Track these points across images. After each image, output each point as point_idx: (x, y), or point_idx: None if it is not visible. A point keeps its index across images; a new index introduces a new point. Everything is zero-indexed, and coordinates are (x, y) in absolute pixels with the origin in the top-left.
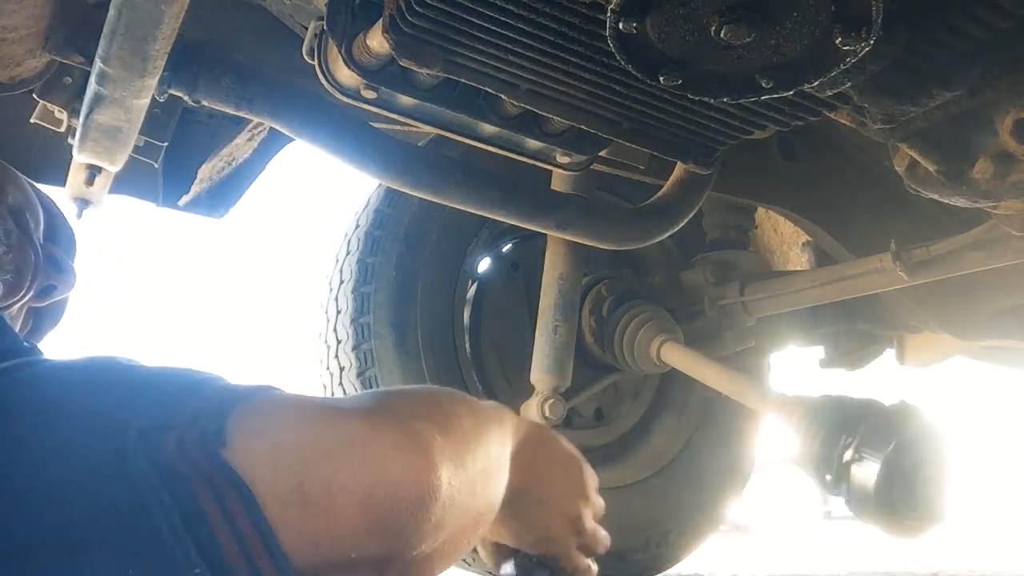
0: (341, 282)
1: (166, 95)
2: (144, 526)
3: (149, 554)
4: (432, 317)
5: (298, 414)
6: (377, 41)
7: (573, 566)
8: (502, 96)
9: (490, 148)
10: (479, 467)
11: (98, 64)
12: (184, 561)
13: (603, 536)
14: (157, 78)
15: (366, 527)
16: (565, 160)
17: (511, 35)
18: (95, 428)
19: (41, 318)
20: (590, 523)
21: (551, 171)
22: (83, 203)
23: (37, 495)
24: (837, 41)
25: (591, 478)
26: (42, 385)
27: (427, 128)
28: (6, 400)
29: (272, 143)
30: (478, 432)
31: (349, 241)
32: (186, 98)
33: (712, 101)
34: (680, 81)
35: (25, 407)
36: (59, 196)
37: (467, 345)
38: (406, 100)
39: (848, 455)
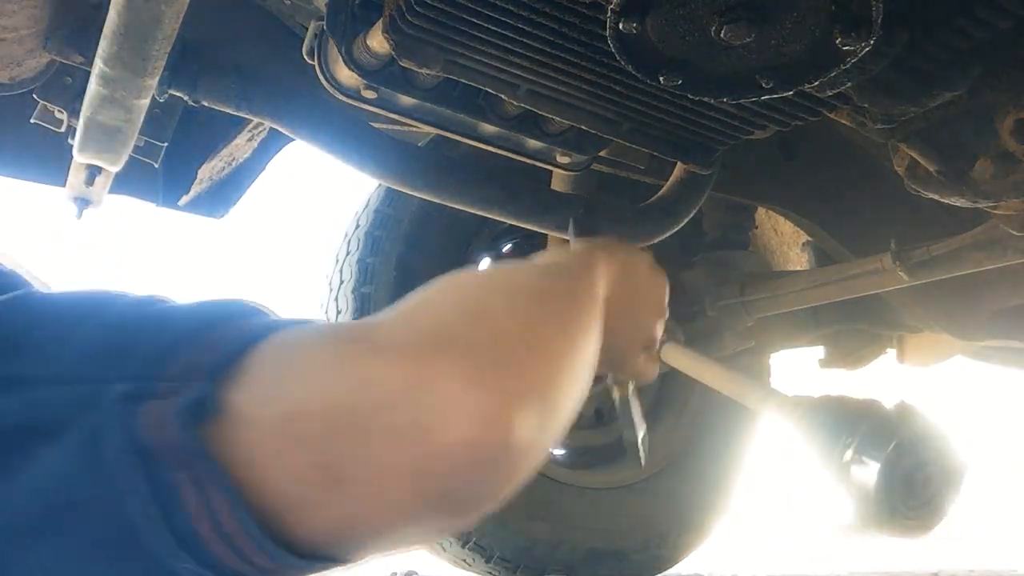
0: (341, 282)
1: (166, 95)
2: (118, 519)
3: (126, 553)
4: None
5: (316, 363)
6: (377, 41)
7: (634, 372)
8: (502, 96)
9: (490, 148)
10: (567, 379)
11: (98, 64)
12: (170, 559)
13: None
14: (157, 78)
15: (421, 502)
16: (565, 160)
17: (511, 35)
18: (69, 393)
19: None
20: (659, 331)
21: (551, 171)
22: (83, 203)
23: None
24: (837, 41)
25: (666, 291)
26: (17, 323)
27: (427, 128)
28: None
29: (272, 143)
30: (563, 331)
31: (349, 241)
32: (186, 98)
33: (712, 101)
34: (680, 81)
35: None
36: (59, 196)
37: None
38: (406, 100)
39: (848, 455)
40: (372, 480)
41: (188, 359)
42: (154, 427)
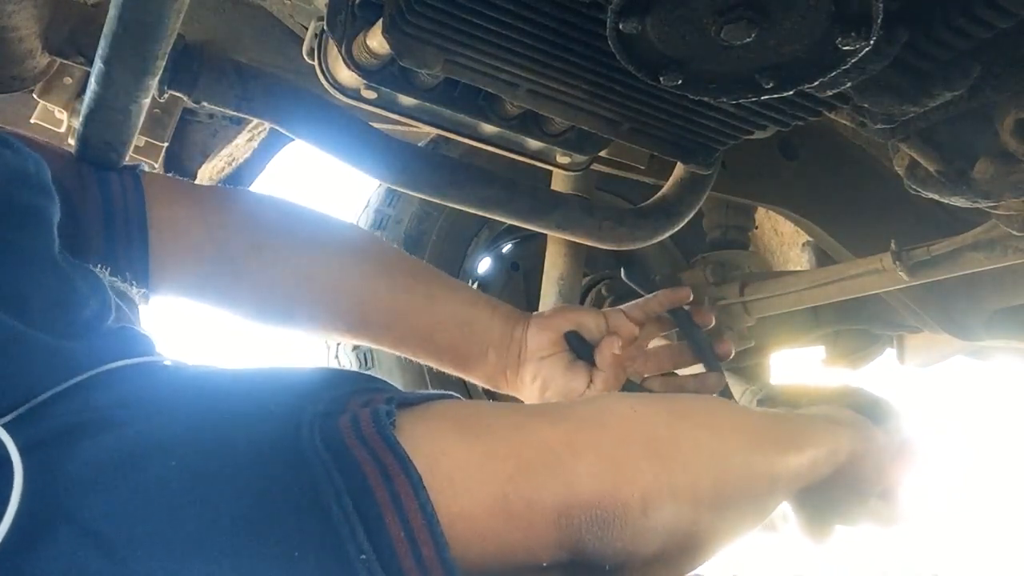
0: None
1: (166, 95)
2: (314, 506)
3: (317, 535)
4: None
5: (489, 420)
6: (377, 41)
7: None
8: (502, 96)
9: (490, 148)
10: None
11: (98, 64)
12: (351, 543)
13: None
14: (157, 78)
15: (558, 540)
16: (565, 160)
17: (511, 35)
18: (269, 411)
19: None
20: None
21: (551, 171)
22: None
23: (210, 478)
24: (837, 41)
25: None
26: (207, 374)
27: (427, 128)
28: (170, 382)
29: (272, 143)
30: (712, 448)
31: None
32: (186, 98)
33: (712, 101)
34: (680, 81)
35: (191, 393)
36: None
37: None
38: (407, 100)
39: None
40: (532, 518)
41: (369, 395)
42: (350, 427)
